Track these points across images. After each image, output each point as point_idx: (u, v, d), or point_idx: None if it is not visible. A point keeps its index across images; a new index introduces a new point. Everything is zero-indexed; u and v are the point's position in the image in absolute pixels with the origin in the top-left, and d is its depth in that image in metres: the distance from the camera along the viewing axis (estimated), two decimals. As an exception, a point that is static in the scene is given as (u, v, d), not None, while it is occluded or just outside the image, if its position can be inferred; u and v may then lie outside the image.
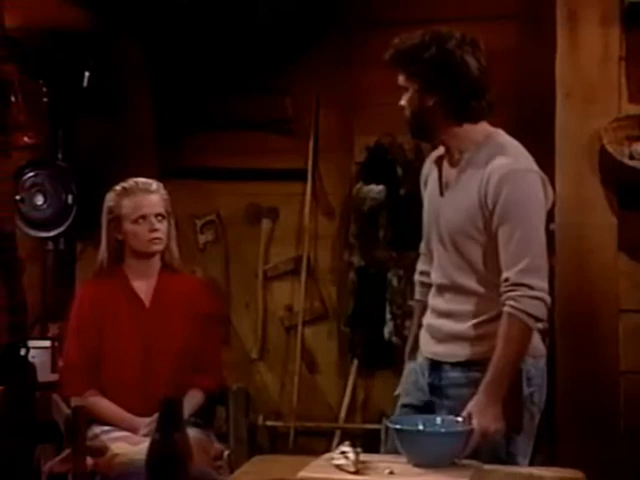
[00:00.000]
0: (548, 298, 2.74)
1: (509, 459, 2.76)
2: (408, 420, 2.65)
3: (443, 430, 2.63)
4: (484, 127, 2.87)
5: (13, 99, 3.75)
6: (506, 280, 2.72)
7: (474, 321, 2.83)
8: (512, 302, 2.70)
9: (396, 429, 2.56)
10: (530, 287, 2.70)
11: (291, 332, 4.73)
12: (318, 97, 4.65)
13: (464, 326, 2.84)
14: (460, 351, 2.85)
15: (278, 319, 4.76)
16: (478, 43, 2.81)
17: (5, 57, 3.61)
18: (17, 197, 4.32)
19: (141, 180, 3.68)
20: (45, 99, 4.47)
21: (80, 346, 3.62)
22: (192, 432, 2.91)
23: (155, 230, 3.62)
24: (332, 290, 4.71)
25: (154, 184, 3.68)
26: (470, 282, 2.84)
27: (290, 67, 4.60)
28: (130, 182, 3.67)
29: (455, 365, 2.85)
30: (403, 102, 2.87)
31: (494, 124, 2.92)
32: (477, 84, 2.80)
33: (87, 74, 4.43)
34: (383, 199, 4.42)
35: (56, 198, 4.49)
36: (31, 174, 4.51)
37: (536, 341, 2.84)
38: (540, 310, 2.72)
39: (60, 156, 4.55)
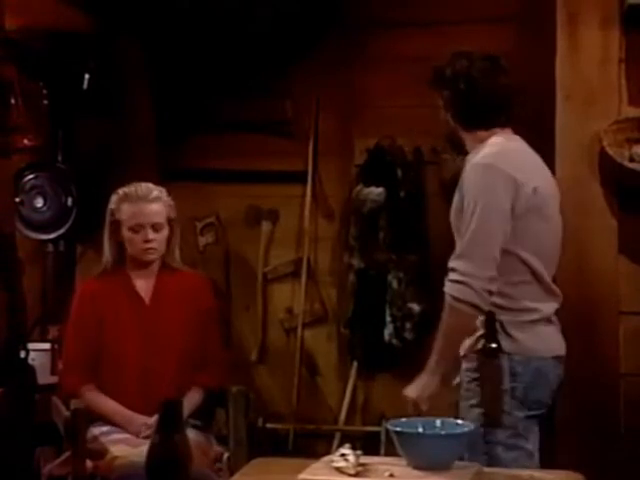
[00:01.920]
0: (476, 283, 2.82)
1: (489, 448, 2.89)
2: (408, 423, 2.65)
3: (443, 432, 2.63)
4: (493, 132, 3.05)
5: (13, 101, 3.75)
6: None
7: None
8: (445, 284, 2.90)
9: (396, 432, 2.56)
10: (454, 270, 2.86)
11: (291, 334, 4.72)
12: (318, 99, 4.64)
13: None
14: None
15: (278, 321, 4.75)
16: (498, 62, 3.09)
17: (5, 59, 3.60)
18: (17, 199, 4.32)
19: (142, 187, 3.65)
20: (45, 101, 4.46)
21: (79, 340, 3.63)
22: (192, 434, 2.92)
23: (149, 241, 3.61)
24: (332, 292, 4.70)
25: (155, 192, 3.65)
26: None
27: (290, 69, 4.59)
28: (132, 188, 3.65)
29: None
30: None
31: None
32: (485, 97, 3.02)
33: (87, 76, 4.42)
34: (383, 201, 4.42)
35: (56, 200, 4.48)
36: (31, 176, 4.50)
37: (528, 341, 2.95)
38: (463, 293, 2.83)
39: (60, 158, 4.54)
